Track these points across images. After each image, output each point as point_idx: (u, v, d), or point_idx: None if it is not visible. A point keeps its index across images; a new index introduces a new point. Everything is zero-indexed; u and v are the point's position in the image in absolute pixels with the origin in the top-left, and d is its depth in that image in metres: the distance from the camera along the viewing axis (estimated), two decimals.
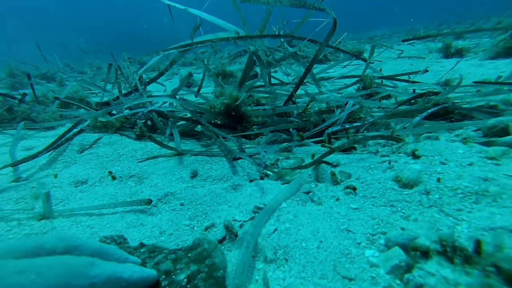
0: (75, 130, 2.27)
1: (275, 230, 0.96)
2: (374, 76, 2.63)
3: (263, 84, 2.66)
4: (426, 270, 0.68)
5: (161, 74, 2.85)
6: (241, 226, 1.04)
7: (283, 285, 0.76)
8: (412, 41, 7.00)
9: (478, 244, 0.68)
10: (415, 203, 1.06)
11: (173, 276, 0.65)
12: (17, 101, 3.04)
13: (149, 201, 1.25)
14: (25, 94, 3.19)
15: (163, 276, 0.65)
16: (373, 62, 4.29)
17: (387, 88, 2.43)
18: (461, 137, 1.61)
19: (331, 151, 1.40)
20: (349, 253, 0.84)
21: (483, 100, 2.04)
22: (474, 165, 1.26)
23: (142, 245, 0.85)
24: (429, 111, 1.70)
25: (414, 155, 1.40)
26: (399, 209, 1.04)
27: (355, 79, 2.90)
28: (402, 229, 0.90)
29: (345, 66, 4.81)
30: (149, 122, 2.46)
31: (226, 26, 2.40)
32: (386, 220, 0.98)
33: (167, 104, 2.55)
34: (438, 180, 1.15)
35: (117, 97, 2.96)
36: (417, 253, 0.73)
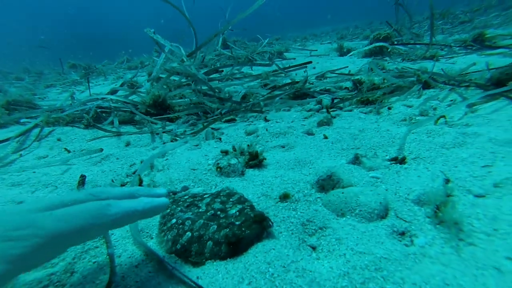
0: (31, 125, 2.84)
1: (166, 159, 1.77)
2: (270, 72, 3.55)
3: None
4: (224, 159, 1.53)
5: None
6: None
7: (164, 178, 1.56)
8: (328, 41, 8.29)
9: (249, 147, 1.56)
10: (250, 141, 1.94)
11: None
12: None
13: (101, 150, 1.98)
14: None
15: None
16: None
17: (276, 79, 3.37)
18: (304, 109, 2.56)
19: (214, 121, 2.24)
20: (200, 163, 1.67)
21: (332, 86, 3.05)
22: (294, 121, 2.19)
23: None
24: (284, 94, 2.64)
25: (266, 119, 2.30)
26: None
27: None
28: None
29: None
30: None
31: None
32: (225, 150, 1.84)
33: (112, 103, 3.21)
34: (266, 129, 2.04)
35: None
36: (224, 154, 1.59)
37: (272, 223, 1.00)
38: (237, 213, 1.01)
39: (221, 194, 1.15)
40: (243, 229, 0.95)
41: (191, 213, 1.06)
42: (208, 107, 2.79)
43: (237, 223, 0.96)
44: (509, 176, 1.12)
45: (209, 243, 0.94)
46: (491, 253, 0.82)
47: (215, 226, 0.97)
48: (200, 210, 1.06)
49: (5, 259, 0.51)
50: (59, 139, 2.57)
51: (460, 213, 0.99)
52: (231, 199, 1.10)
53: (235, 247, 0.93)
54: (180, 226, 1.01)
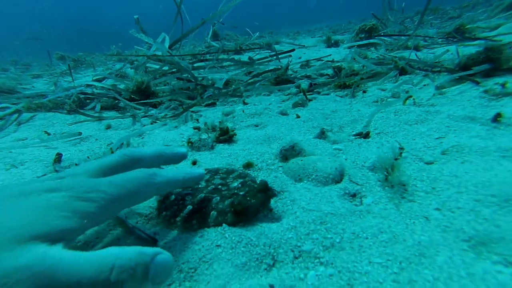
0: (11, 110, 2.84)
1: (143, 138, 1.81)
2: (255, 59, 3.59)
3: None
4: (196, 134, 1.57)
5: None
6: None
7: None
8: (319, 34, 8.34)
9: (220, 123, 1.60)
10: (226, 120, 1.98)
11: None
12: None
13: (79, 133, 2.00)
14: None
15: None
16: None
17: (260, 67, 3.41)
18: (284, 94, 2.61)
19: (194, 105, 2.28)
20: (175, 140, 1.71)
21: (314, 73, 3.10)
22: (271, 104, 2.24)
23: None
24: (265, 80, 2.68)
25: (244, 103, 2.34)
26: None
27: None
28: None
29: (257, 54, 5.80)
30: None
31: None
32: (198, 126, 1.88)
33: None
34: (243, 111, 2.09)
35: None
36: (197, 130, 1.63)
37: (278, 192, 1.02)
38: (240, 185, 0.98)
39: (219, 172, 1.12)
40: (248, 198, 0.92)
41: (190, 188, 1.02)
42: (191, 93, 2.82)
43: (241, 193, 0.94)
44: (455, 144, 1.18)
45: (213, 212, 0.91)
46: (424, 207, 0.88)
47: (218, 198, 0.94)
48: (200, 186, 1.03)
49: (84, 215, 0.60)
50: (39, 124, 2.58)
51: (408, 177, 1.06)
52: (231, 175, 1.08)
53: (241, 216, 0.90)
54: (181, 202, 0.97)
